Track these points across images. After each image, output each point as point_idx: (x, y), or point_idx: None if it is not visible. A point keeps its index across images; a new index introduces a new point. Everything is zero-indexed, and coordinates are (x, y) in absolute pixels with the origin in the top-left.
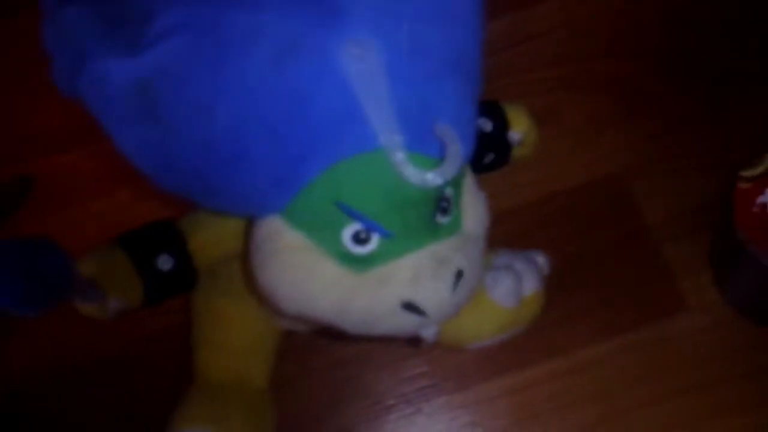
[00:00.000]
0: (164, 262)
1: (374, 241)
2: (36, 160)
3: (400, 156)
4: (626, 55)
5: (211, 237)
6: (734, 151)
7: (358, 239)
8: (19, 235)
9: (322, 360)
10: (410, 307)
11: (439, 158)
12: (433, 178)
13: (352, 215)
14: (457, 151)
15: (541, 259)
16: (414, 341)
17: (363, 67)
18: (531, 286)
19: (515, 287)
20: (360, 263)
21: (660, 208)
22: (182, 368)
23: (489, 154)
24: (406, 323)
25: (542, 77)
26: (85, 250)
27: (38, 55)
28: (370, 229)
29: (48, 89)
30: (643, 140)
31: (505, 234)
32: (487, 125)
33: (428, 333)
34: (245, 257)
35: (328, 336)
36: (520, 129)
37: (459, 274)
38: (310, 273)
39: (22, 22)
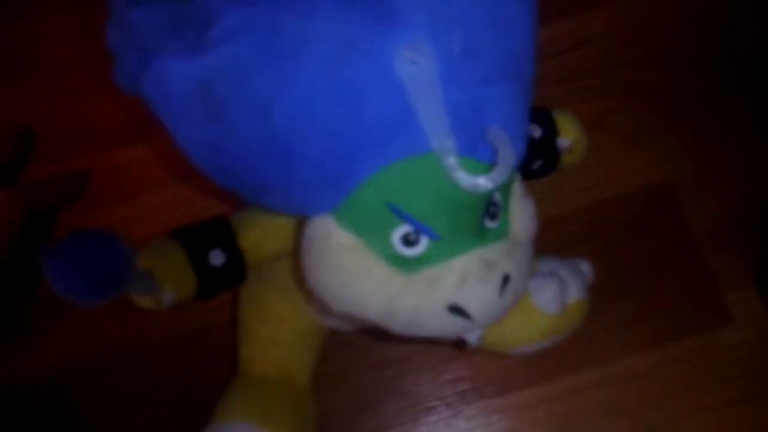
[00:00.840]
0: (217, 257)
1: (423, 244)
2: (94, 155)
3: (451, 160)
4: (677, 64)
5: (262, 234)
6: None
7: (408, 241)
8: (83, 227)
9: (363, 360)
10: (456, 310)
11: (490, 163)
12: (483, 183)
13: (403, 217)
14: (509, 156)
15: (586, 268)
16: (458, 344)
17: (417, 71)
18: (575, 294)
19: (560, 294)
20: (408, 265)
21: (707, 219)
22: (221, 363)
23: (538, 160)
24: (452, 326)
25: (591, 84)
26: (141, 244)
27: (96, 49)
28: (419, 231)
29: (106, 84)
30: (692, 149)
31: (552, 240)
32: (537, 131)
33: (472, 337)
34: (295, 255)
35: (372, 336)
36: (569, 136)
37: (506, 279)
38: (360, 273)
39: (67, 17)
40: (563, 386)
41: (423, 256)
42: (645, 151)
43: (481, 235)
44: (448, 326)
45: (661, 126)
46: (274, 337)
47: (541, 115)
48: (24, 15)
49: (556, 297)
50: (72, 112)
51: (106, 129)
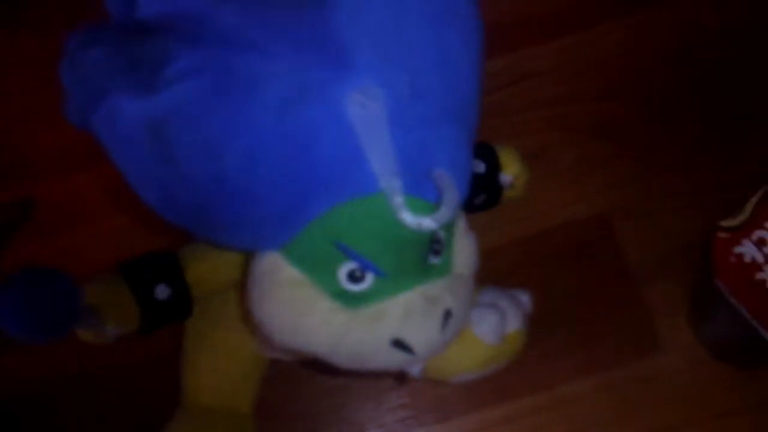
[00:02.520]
0: (162, 292)
1: (368, 280)
2: (36, 183)
3: (398, 200)
4: (618, 98)
5: (209, 268)
6: (717, 196)
7: (353, 277)
8: (28, 266)
9: (305, 388)
10: (399, 344)
11: (435, 202)
12: (428, 223)
13: (349, 255)
14: (453, 197)
15: (525, 298)
16: (399, 376)
17: (366, 114)
18: (514, 324)
19: (499, 325)
20: (354, 301)
21: (643, 249)
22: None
23: (480, 195)
24: (395, 360)
25: (534, 117)
26: (84, 273)
27: (40, 76)
28: (365, 268)
29: (50, 111)
30: (631, 181)
31: (492, 270)
32: (480, 167)
33: (414, 369)
34: (241, 288)
35: (314, 366)
36: (511, 172)
37: (447, 314)
38: (306, 308)
39: (24, 41)
40: (500, 413)
41: (368, 292)
42: (584, 183)
43: (424, 272)
44: (392, 360)
45: (601, 158)
46: (218, 368)
47: (484, 150)
48: None
49: (495, 328)
50: (16, 138)
51: (47, 157)
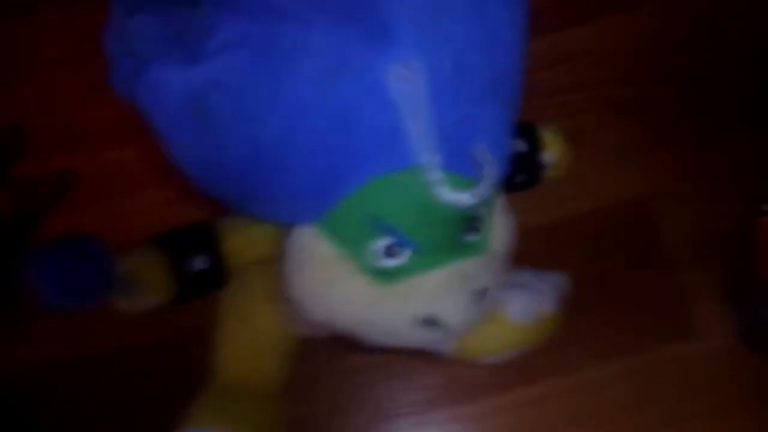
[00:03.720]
0: (199, 263)
1: (404, 255)
2: (78, 156)
3: (436, 175)
4: (657, 80)
5: (244, 241)
6: (758, 181)
7: (389, 252)
8: (66, 233)
9: (335, 366)
10: (431, 321)
11: (474, 179)
12: (467, 199)
13: (385, 229)
14: (492, 174)
15: (561, 281)
16: (430, 354)
17: (407, 88)
18: (548, 306)
19: (532, 306)
20: (388, 276)
21: (680, 234)
22: (194, 368)
23: (521, 174)
24: (426, 337)
25: (575, 99)
26: (123, 245)
27: (85, 50)
28: (401, 243)
29: (93, 85)
30: (669, 165)
31: (528, 251)
32: (522, 146)
33: (445, 347)
34: (277, 263)
35: (344, 343)
36: (553, 152)
37: (481, 292)
38: (340, 283)
39: (68, 11)
40: (528, 395)
41: (402, 267)
42: (623, 166)
43: (460, 249)
44: (422, 337)
45: (640, 141)
46: (250, 344)
47: (526, 130)
48: (14, 15)
49: (528, 309)
50: (57, 111)
51: (91, 129)
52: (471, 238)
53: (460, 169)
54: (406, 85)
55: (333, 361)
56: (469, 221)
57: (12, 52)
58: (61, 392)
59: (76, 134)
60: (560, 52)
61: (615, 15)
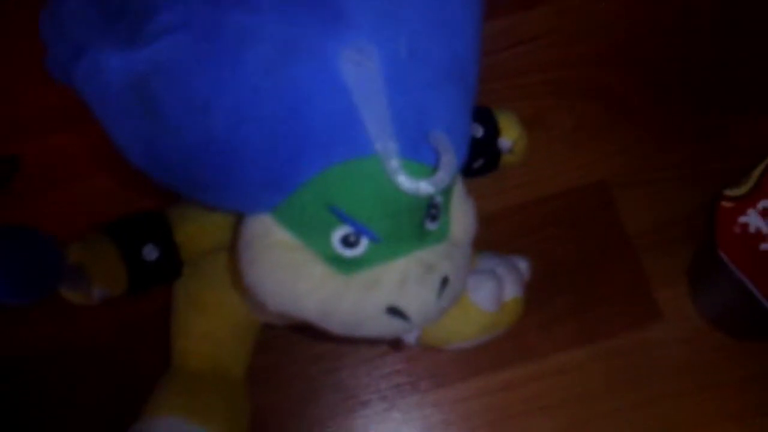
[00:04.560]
0: (150, 252)
1: (363, 245)
2: (21, 141)
3: (394, 163)
4: (618, 64)
5: (198, 229)
6: (718, 163)
7: (347, 242)
8: (8, 224)
9: (299, 353)
10: (395, 311)
11: (432, 166)
12: (425, 187)
13: (343, 219)
14: (451, 160)
15: (523, 265)
16: (394, 344)
17: (361, 73)
18: (512, 291)
19: (497, 292)
20: (348, 266)
21: (642, 217)
22: (162, 354)
23: (479, 159)
24: (390, 327)
25: (533, 82)
26: (69, 232)
27: (22, 30)
28: (359, 232)
29: (35, 69)
30: (630, 149)
31: (490, 237)
32: (479, 131)
33: (410, 337)
34: (232, 250)
35: (306, 331)
36: (510, 136)
37: (444, 281)
38: (298, 273)
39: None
40: (497, 380)
41: (362, 257)
42: (584, 150)
43: (421, 237)
44: (386, 327)
45: (600, 125)
46: (209, 331)
47: (483, 114)
48: None
49: (493, 295)
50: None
51: (33, 114)
52: (431, 226)
53: (419, 156)
54: (360, 70)
55: (297, 347)
56: (429, 209)
57: None
58: (27, 385)
59: (14, 121)
60: (518, 33)
61: None
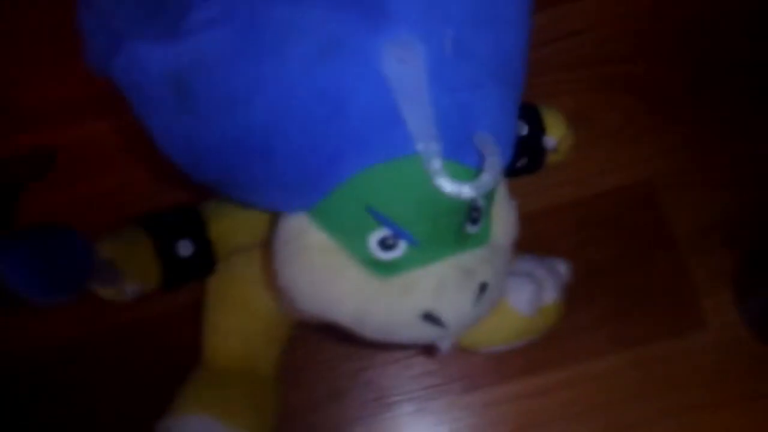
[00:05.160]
0: (185, 248)
1: (400, 248)
2: (56, 129)
3: (436, 164)
4: (666, 60)
5: (232, 226)
6: (766, 166)
7: (385, 245)
8: (38, 222)
9: (330, 352)
10: (430, 318)
11: (475, 168)
12: (468, 191)
13: (381, 221)
14: (495, 164)
15: (563, 268)
16: (428, 350)
17: (404, 70)
18: (551, 296)
19: (535, 296)
20: (384, 269)
21: (688, 220)
22: (192, 347)
23: (523, 158)
24: (425, 333)
25: (578, 77)
26: (101, 225)
27: (64, 21)
28: (397, 235)
29: (70, 56)
30: (677, 149)
31: (530, 237)
32: (523, 129)
33: (444, 344)
34: (266, 248)
35: (337, 330)
36: (556, 135)
37: (483, 287)
38: (333, 275)
39: None
40: (530, 385)
41: (399, 260)
42: (629, 148)
43: (460, 241)
44: (421, 334)
45: (647, 123)
46: (241, 329)
47: (528, 111)
48: None
49: (531, 299)
50: (36, 83)
51: (68, 103)
52: (472, 229)
53: (462, 157)
54: (404, 67)
55: (326, 345)
56: (470, 212)
57: None
58: (56, 376)
59: (51, 108)
60: (562, 27)
61: None
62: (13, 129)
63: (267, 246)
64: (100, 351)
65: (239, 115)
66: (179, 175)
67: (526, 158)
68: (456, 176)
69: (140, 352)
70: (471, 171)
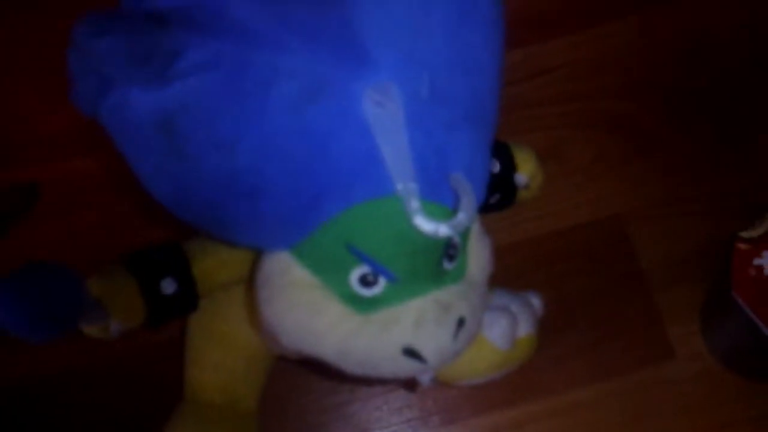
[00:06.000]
0: (168, 286)
1: (381, 285)
2: (39, 165)
3: (414, 204)
4: (634, 96)
5: (216, 263)
6: (737, 199)
7: (366, 282)
8: (30, 261)
9: (310, 385)
10: (411, 352)
11: (451, 207)
12: (445, 229)
13: (362, 258)
14: (471, 204)
15: (536, 302)
16: (409, 384)
17: (383, 113)
18: (525, 329)
19: (510, 329)
20: (365, 305)
21: (656, 252)
22: (176, 382)
23: (495, 194)
24: (406, 368)
25: (549, 113)
26: (86, 260)
27: (51, 59)
28: (378, 272)
29: (55, 93)
30: (647, 182)
31: (502, 270)
32: (495, 166)
33: (425, 378)
34: (249, 285)
35: (319, 365)
36: (527, 172)
37: (461, 322)
38: (315, 311)
39: (31, 22)
40: (508, 417)
41: (380, 297)
42: (599, 183)
43: (438, 278)
44: (402, 368)
45: (616, 158)
46: (223, 363)
47: (499, 148)
48: None
49: (507, 332)
50: (20, 119)
51: (53, 138)
52: (449, 265)
53: (439, 198)
54: (383, 110)
55: (308, 379)
56: (447, 249)
57: None
58: (38, 410)
59: (35, 144)
60: (534, 65)
61: (588, 30)
62: None
63: (250, 282)
64: (81, 386)
65: (225, 157)
66: (164, 211)
67: (498, 195)
68: (433, 215)
69: (122, 388)
70: (447, 210)
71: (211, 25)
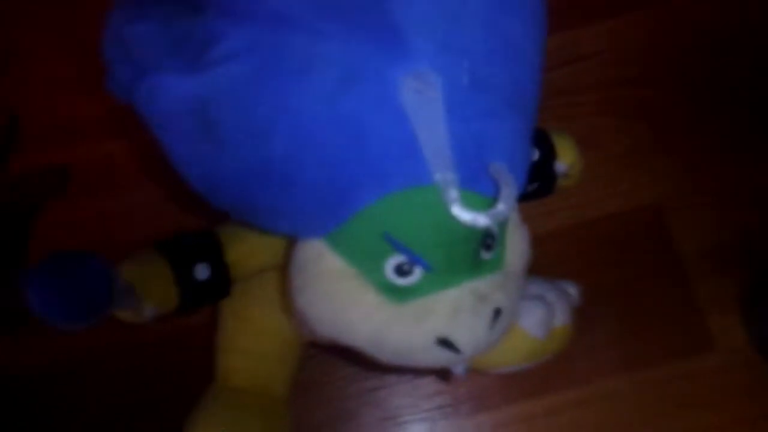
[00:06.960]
0: (201, 272)
1: (416, 274)
2: (74, 148)
3: (452, 194)
4: (673, 83)
5: (249, 249)
6: None
7: (401, 271)
8: (61, 250)
9: (341, 371)
10: (445, 343)
11: (490, 197)
12: (484, 219)
13: (398, 247)
14: (511, 192)
15: (573, 291)
16: (442, 374)
17: (421, 101)
18: (561, 318)
19: (546, 319)
20: (400, 294)
21: (694, 242)
22: (202, 367)
23: (534, 183)
24: (439, 358)
25: (587, 100)
26: (117, 243)
27: (82, 42)
28: (414, 262)
29: (90, 77)
30: (684, 170)
31: (539, 259)
32: (535, 154)
33: (458, 368)
34: (282, 272)
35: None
36: (566, 160)
37: (497, 312)
38: (349, 300)
39: (67, 6)
40: (541, 405)
41: (415, 286)
42: (636, 171)
43: (475, 267)
44: (435, 359)
45: (654, 146)
46: (255, 349)
47: (539, 136)
48: (5, 3)
49: (542, 322)
50: (55, 101)
51: (86, 123)
52: (486, 255)
53: (478, 187)
54: (421, 98)
55: (338, 364)
56: (485, 239)
57: (4, 45)
58: (63, 391)
59: (69, 127)
60: (570, 52)
61: (629, 15)
62: (28, 148)
63: (283, 269)
64: (111, 369)
65: (260, 145)
66: (197, 197)
67: (537, 183)
68: (472, 205)
69: (151, 372)
70: (486, 200)
71: (247, 11)
